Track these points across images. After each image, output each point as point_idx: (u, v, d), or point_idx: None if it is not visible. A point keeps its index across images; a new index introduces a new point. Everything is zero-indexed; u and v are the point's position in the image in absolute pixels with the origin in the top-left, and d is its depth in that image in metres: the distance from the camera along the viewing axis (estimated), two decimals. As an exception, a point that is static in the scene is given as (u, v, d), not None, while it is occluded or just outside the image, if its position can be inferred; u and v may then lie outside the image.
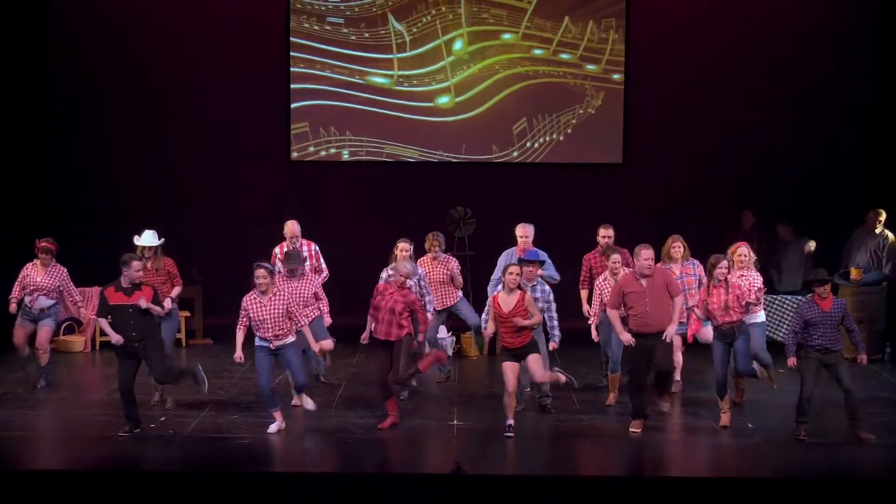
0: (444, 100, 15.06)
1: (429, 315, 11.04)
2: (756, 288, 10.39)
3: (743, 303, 9.93)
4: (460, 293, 12.06)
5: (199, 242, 14.36)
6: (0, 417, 10.27)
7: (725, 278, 9.95)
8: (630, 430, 9.88)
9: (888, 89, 14.29)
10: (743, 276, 10.52)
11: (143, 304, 9.69)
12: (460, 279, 11.92)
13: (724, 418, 10.06)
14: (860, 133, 14.73)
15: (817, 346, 9.62)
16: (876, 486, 8.81)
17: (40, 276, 11.25)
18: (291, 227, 11.48)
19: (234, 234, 14.54)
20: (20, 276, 11.31)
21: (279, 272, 10.76)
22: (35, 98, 14.49)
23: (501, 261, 11.30)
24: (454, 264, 11.90)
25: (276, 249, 11.46)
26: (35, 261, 11.33)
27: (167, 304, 10.51)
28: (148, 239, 10.71)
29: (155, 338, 9.89)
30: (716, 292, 9.92)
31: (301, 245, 11.43)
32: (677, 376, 11.13)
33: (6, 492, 8.58)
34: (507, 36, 14.94)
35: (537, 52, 14.95)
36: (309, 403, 10.15)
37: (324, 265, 11.60)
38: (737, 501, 8.56)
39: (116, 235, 13.49)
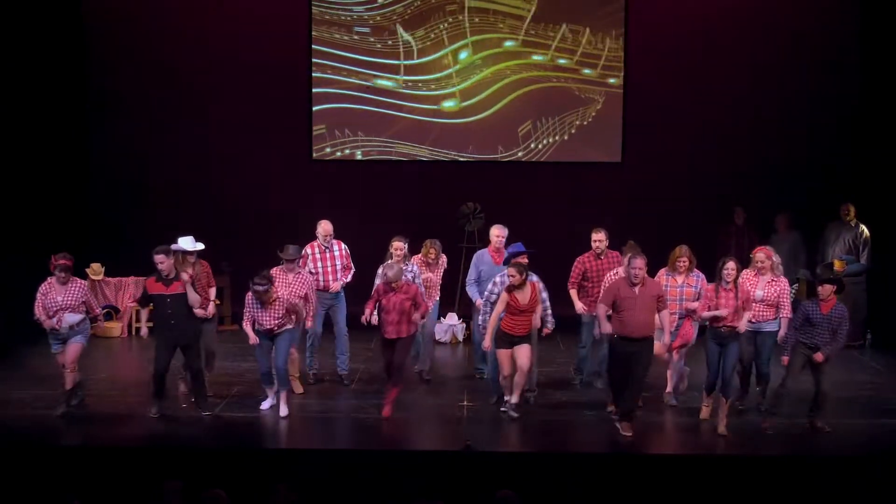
0: (450, 104, 15.08)
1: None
2: (784, 293, 9.86)
3: (750, 307, 9.53)
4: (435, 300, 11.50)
5: (230, 234, 14.45)
6: (43, 397, 10.36)
7: (735, 282, 9.46)
8: (622, 433, 9.41)
9: (870, 93, 14.22)
10: (773, 280, 9.90)
11: (186, 279, 9.67)
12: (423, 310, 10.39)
13: (705, 411, 9.81)
14: (847, 134, 14.61)
15: (809, 344, 9.36)
16: (851, 463, 8.84)
17: (60, 296, 9.78)
18: (325, 226, 11.11)
19: (262, 227, 14.59)
20: (38, 295, 9.85)
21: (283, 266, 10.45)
22: (72, 99, 14.53)
23: (474, 262, 10.98)
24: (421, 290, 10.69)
25: (308, 249, 11.04)
26: (50, 279, 9.84)
27: (210, 308, 10.24)
28: (188, 243, 10.26)
29: (194, 328, 9.77)
30: (725, 295, 9.43)
31: (332, 245, 11.12)
32: (669, 388, 10.49)
33: (47, 466, 8.67)
34: (509, 43, 14.92)
35: (539, 58, 14.94)
36: (283, 409, 9.83)
37: (351, 263, 11.25)
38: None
39: (151, 228, 13.59)
